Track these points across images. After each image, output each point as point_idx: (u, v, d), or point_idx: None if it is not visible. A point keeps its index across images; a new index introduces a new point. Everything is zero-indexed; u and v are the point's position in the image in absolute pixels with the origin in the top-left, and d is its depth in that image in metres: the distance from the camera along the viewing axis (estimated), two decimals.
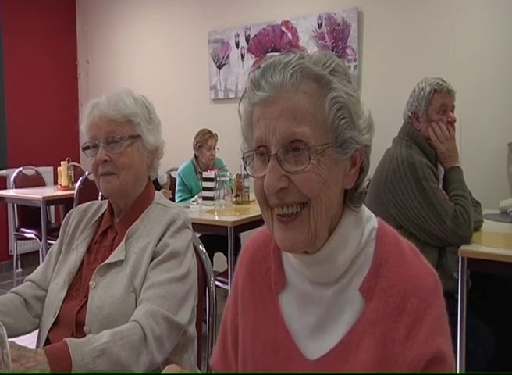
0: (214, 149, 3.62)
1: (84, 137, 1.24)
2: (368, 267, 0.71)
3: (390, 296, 0.68)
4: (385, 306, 0.68)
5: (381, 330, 0.67)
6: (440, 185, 1.93)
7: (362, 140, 0.69)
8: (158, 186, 3.26)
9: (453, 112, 1.96)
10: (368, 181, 0.76)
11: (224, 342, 0.86)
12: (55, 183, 4.46)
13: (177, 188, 3.57)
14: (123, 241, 1.19)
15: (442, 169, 2.01)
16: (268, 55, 3.91)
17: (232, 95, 4.18)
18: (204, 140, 3.58)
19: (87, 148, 1.23)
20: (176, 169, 3.73)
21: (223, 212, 2.84)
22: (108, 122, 1.19)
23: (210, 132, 3.62)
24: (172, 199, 3.44)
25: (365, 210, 0.76)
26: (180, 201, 3.46)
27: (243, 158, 0.73)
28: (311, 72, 0.66)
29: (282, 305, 0.77)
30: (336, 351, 0.69)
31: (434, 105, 1.92)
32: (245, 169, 0.74)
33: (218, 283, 2.62)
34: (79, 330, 1.11)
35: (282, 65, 0.67)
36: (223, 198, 3.17)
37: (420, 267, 0.70)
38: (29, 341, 1.18)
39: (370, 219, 0.75)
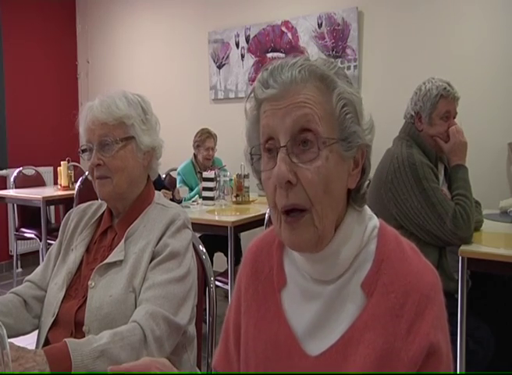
0: (212, 150, 3.62)
1: (81, 140, 1.25)
2: (370, 264, 0.72)
3: (392, 291, 0.68)
4: (387, 301, 0.68)
5: (382, 325, 0.67)
6: (441, 183, 1.93)
7: (365, 138, 0.71)
8: (158, 186, 3.25)
9: (454, 118, 1.96)
10: (368, 181, 0.77)
11: (226, 343, 0.86)
12: (55, 183, 4.46)
13: (178, 185, 3.57)
14: (123, 241, 1.19)
15: (442, 170, 2.01)
16: (269, 55, 3.92)
17: (232, 95, 4.17)
18: (202, 140, 3.59)
19: (84, 150, 1.23)
20: (176, 170, 3.74)
21: (223, 212, 2.84)
22: (101, 125, 1.19)
23: (209, 132, 3.62)
24: (172, 200, 3.44)
25: (367, 209, 0.77)
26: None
27: (250, 153, 0.74)
28: (318, 70, 0.69)
29: (284, 302, 0.77)
30: (337, 347, 0.70)
31: (439, 110, 1.92)
32: (252, 164, 0.74)
33: (218, 283, 2.61)
34: (78, 330, 1.11)
35: (289, 65, 0.69)
36: (223, 198, 3.17)
37: (420, 264, 0.71)
38: (28, 341, 1.18)
39: (372, 218, 0.76)
